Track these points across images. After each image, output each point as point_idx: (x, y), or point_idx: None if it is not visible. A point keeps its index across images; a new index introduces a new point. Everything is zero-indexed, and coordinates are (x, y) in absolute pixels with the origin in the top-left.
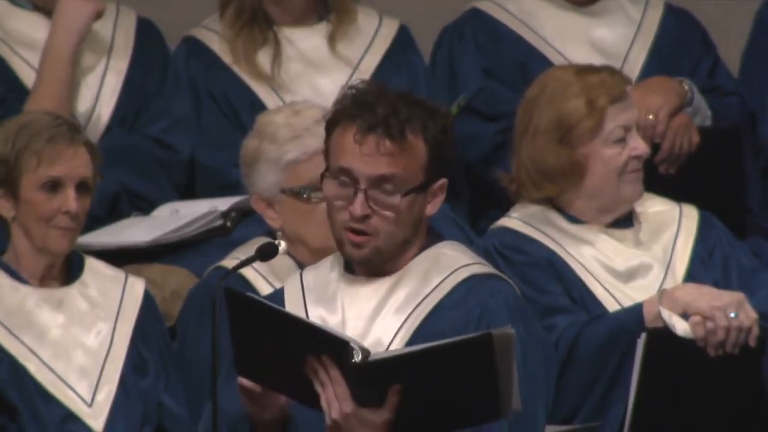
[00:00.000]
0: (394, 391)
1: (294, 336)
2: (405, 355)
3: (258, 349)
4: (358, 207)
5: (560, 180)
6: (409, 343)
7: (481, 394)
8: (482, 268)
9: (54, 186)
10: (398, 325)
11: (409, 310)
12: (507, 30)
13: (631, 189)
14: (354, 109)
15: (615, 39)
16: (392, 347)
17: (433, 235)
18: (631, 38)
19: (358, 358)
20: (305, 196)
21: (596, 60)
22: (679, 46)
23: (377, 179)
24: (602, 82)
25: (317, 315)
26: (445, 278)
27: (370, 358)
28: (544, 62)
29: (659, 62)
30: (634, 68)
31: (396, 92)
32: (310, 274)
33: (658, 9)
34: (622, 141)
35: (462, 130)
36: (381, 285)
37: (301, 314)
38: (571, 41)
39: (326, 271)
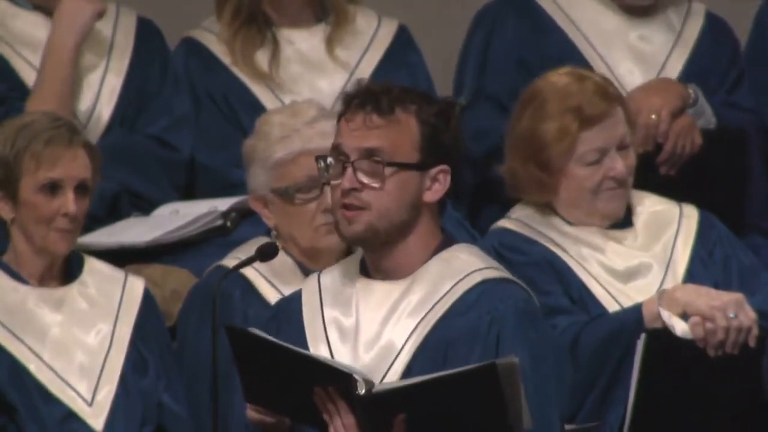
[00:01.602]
0: (400, 421)
1: (298, 369)
2: (408, 386)
3: (265, 380)
4: (347, 180)
5: (532, 192)
6: (422, 346)
7: (491, 421)
8: (494, 272)
9: (53, 188)
10: (411, 329)
11: (422, 315)
12: (552, 23)
13: (606, 205)
14: (354, 98)
15: (654, 45)
16: (405, 351)
17: (447, 238)
18: (671, 46)
19: (361, 390)
20: (290, 197)
21: (633, 65)
22: (712, 61)
23: (365, 152)
24: (581, 102)
25: (332, 317)
26: (457, 283)
27: (374, 390)
28: (581, 62)
29: (695, 71)
30: (670, 76)
31: (402, 85)
32: (328, 276)
33: (699, 17)
34: (597, 162)
35: (477, 123)
36: (395, 288)
37: (317, 316)
38: (611, 43)
39: (343, 273)
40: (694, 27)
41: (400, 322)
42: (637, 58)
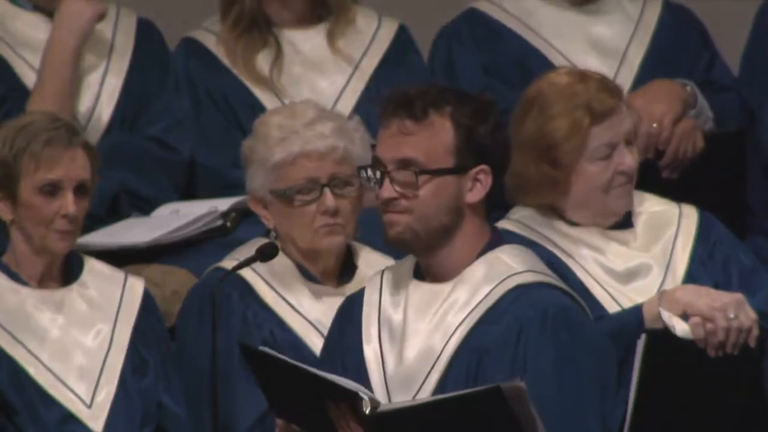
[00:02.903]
0: None
1: (309, 386)
2: (413, 407)
3: (283, 395)
4: (385, 190)
5: (543, 192)
6: (458, 352)
7: None
8: (531, 276)
9: (52, 189)
10: (450, 333)
11: (460, 320)
12: (505, 29)
13: (618, 202)
14: (390, 103)
15: (613, 36)
16: (444, 355)
17: (495, 238)
18: (630, 36)
19: (367, 409)
20: (289, 198)
21: (594, 58)
22: (677, 44)
23: (400, 162)
24: (588, 98)
25: (387, 315)
26: (494, 288)
27: (379, 410)
28: (543, 61)
29: (657, 60)
30: (632, 66)
31: (440, 85)
32: (390, 273)
33: (656, 6)
34: (607, 158)
35: None
36: (440, 290)
37: (375, 314)
38: (570, 39)
39: (400, 274)
40: (652, 14)
41: (442, 325)
42: (598, 50)
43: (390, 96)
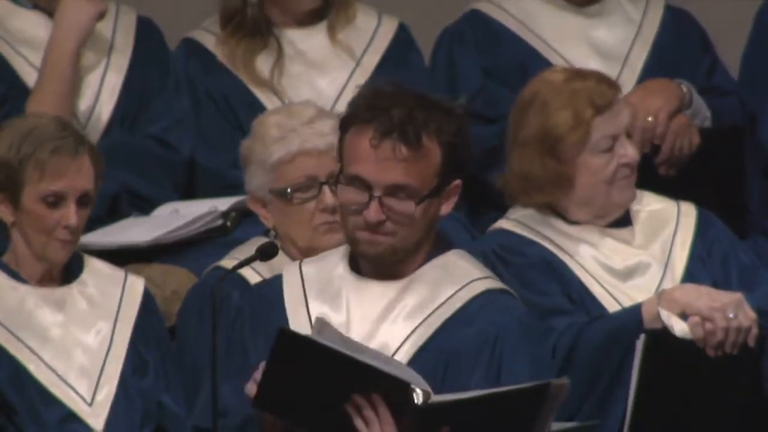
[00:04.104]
0: None
1: (346, 375)
2: (466, 399)
3: (295, 386)
4: (373, 214)
5: (548, 190)
6: (420, 352)
7: None
8: (494, 282)
9: (56, 200)
10: (407, 333)
11: (420, 319)
12: (507, 31)
13: (622, 195)
14: (368, 112)
15: (615, 40)
16: (400, 354)
17: (442, 241)
18: (632, 39)
19: (419, 400)
20: (288, 197)
21: (596, 61)
22: (678, 47)
23: (391, 187)
24: (589, 91)
25: (320, 311)
26: (458, 291)
27: (431, 401)
28: (543, 63)
29: (659, 63)
30: (634, 69)
31: (412, 93)
32: (312, 267)
33: (658, 9)
34: (609, 150)
35: None
36: (390, 288)
37: (301, 307)
38: (571, 42)
39: (330, 266)
40: (654, 18)
41: (396, 324)
42: (599, 54)
43: (374, 115)
